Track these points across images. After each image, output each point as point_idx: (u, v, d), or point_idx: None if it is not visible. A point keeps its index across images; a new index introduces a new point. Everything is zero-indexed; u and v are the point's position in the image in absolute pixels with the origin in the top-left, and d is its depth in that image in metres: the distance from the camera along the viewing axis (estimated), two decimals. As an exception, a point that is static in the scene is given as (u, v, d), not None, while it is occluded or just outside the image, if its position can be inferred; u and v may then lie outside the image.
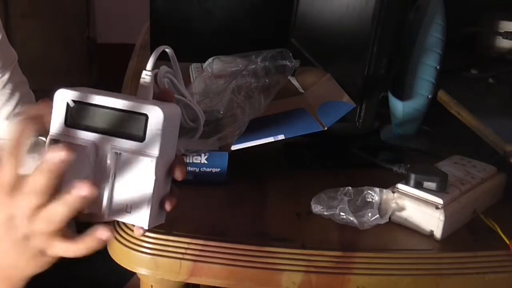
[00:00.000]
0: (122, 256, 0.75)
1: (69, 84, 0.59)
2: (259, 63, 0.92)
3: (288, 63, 0.93)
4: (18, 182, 0.54)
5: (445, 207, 0.76)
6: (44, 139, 0.62)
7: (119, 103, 0.56)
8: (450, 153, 0.91)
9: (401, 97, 1.01)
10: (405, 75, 0.99)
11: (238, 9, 1.26)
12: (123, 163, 0.56)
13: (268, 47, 0.95)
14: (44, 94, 0.61)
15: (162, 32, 1.25)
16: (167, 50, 0.62)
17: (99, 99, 0.56)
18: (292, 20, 1.20)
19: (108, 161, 0.56)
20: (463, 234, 0.79)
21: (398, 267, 0.73)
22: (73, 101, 0.57)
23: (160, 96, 0.60)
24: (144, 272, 0.75)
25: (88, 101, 0.56)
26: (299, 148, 0.98)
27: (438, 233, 0.76)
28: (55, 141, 0.57)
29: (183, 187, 0.84)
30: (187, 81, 1.03)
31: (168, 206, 0.59)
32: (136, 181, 0.56)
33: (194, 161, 0.85)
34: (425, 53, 0.97)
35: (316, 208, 0.80)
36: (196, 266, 0.73)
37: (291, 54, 0.94)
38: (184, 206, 0.82)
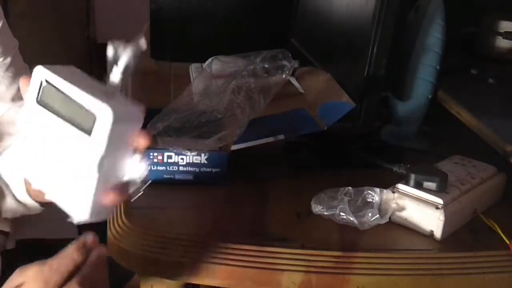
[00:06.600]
0: (122, 256, 0.75)
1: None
2: (258, 63, 0.92)
3: (287, 63, 0.93)
4: None
5: (445, 207, 0.76)
6: None
7: (78, 94, 0.55)
8: (450, 153, 0.91)
9: (401, 97, 1.01)
10: (405, 75, 0.99)
11: (238, 9, 1.26)
12: (73, 152, 0.56)
13: (268, 47, 0.95)
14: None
15: (162, 32, 1.25)
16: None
17: (64, 86, 0.56)
18: (292, 20, 1.20)
19: (61, 147, 0.56)
20: (463, 234, 0.79)
21: (398, 267, 0.73)
22: (46, 80, 0.57)
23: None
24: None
25: (55, 85, 0.56)
26: (299, 148, 0.98)
27: (438, 233, 0.76)
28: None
29: (183, 187, 0.85)
30: (187, 81, 1.03)
31: (107, 200, 0.57)
32: (81, 171, 0.56)
33: (194, 161, 0.85)
34: (425, 53, 0.97)
35: (316, 208, 0.80)
36: (196, 266, 0.73)
37: (290, 55, 0.94)
38: (184, 206, 0.82)
